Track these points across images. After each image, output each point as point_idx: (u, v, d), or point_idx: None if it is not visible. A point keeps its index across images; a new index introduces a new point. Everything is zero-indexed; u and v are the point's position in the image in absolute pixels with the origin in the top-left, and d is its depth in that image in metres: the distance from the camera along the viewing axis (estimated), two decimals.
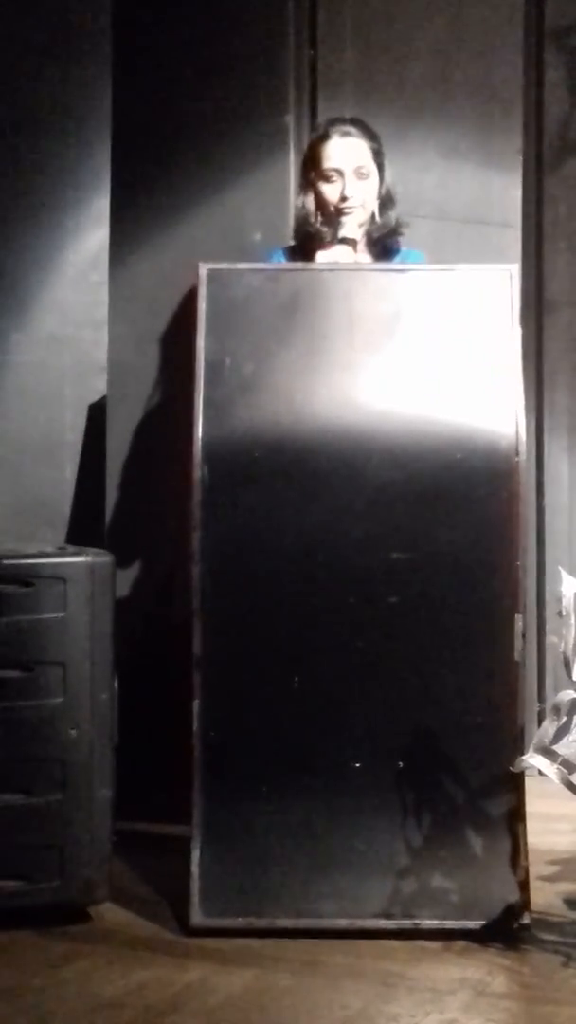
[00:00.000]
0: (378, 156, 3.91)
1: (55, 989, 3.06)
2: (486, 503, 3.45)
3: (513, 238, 4.77)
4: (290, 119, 4.49)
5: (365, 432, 3.48)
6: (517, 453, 3.46)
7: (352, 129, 3.90)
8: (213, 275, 3.58)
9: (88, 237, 4.69)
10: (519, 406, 3.49)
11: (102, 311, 4.63)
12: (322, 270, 3.70)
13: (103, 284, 4.63)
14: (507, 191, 4.77)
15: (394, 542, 3.44)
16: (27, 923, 3.39)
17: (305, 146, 4.37)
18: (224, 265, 3.64)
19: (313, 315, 3.57)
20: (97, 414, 4.62)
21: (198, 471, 3.45)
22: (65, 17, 4.69)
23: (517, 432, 3.47)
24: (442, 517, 3.45)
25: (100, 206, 4.65)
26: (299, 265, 3.86)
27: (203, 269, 3.59)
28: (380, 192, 3.91)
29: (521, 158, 4.81)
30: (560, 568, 3.43)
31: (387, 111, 4.43)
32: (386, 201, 3.93)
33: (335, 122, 3.94)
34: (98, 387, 4.64)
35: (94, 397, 4.66)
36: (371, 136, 3.92)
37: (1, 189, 4.57)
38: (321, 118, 4.05)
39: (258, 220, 4.41)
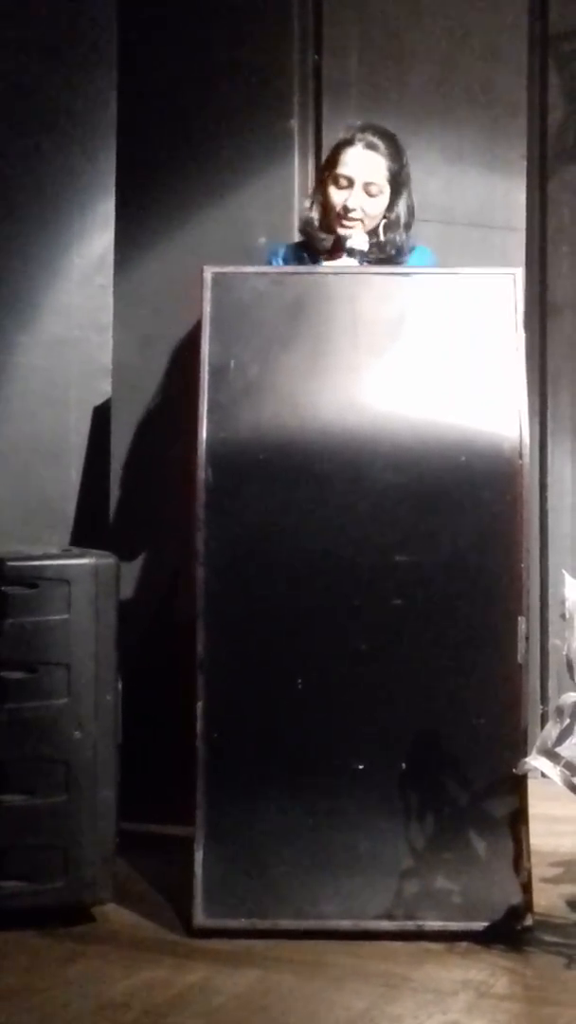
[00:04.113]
0: (396, 178, 3.85)
1: (59, 989, 3.07)
2: (490, 506, 3.46)
3: (517, 242, 4.77)
4: (294, 124, 4.50)
5: (369, 435, 3.49)
6: (520, 456, 3.47)
7: (379, 143, 3.83)
8: (218, 278, 3.59)
9: (93, 240, 4.70)
10: (523, 409, 3.50)
11: (107, 314, 4.64)
12: (326, 273, 3.71)
13: (108, 287, 4.65)
14: (511, 195, 4.78)
15: (398, 544, 3.44)
16: (31, 923, 3.40)
17: (310, 150, 4.40)
18: (229, 268, 3.65)
19: (317, 318, 3.58)
20: (101, 416, 4.63)
21: (202, 473, 3.46)
22: (70, 20, 4.70)
23: (521, 435, 3.48)
24: (446, 520, 3.46)
25: (105, 209, 4.66)
26: (303, 268, 3.87)
27: (207, 272, 3.60)
28: (389, 213, 3.86)
29: (525, 162, 4.82)
30: (563, 571, 3.44)
31: (391, 116, 4.43)
32: (393, 223, 3.88)
33: (367, 129, 3.86)
34: (103, 389, 4.65)
35: (99, 399, 4.67)
36: (395, 156, 3.85)
37: (6, 193, 4.58)
38: (359, 120, 3.97)
39: (262, 224, 4.42)
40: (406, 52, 4.68)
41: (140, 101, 4.58)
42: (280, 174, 4.46)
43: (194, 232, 4.50)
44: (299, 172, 4.44)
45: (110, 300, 4.63)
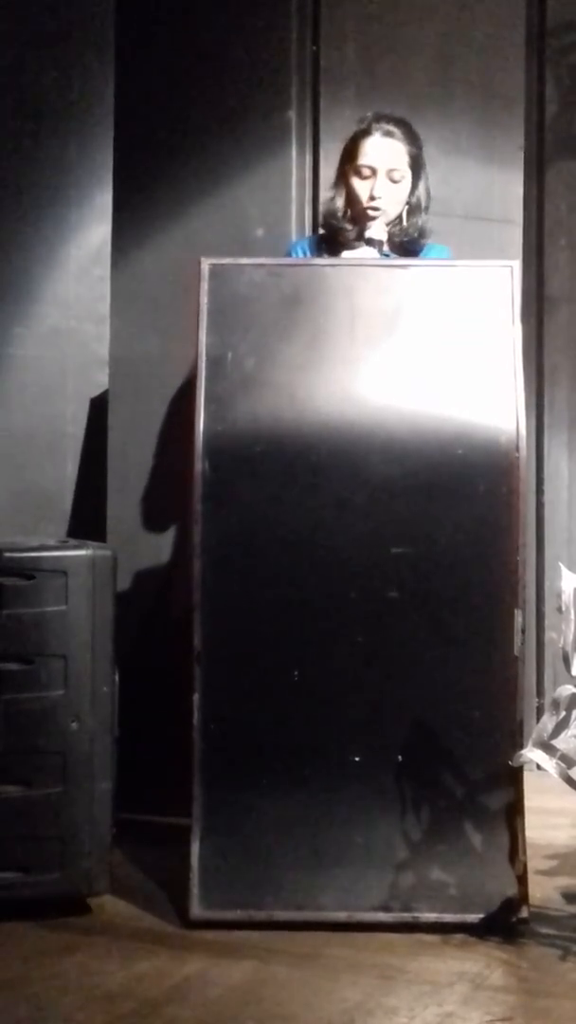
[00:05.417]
0: (415, 161, 3.89)
1: (55, 980, 3.07)
2: (486, 498, 3.46)
3: (514, 234, 4.77)
4: (292, 115, 4.49)
5: (366, 427, 3.49)
6: (517, 449, 3.47)
7: (395, 130, 3.87)
8: (215, 270, 3.59)
9: (90, 232, 4.69)
10: (519, 402, 3.50)
11: (104, 305, 4.64)
12: (323, 265, 3.71)
13: (105, 279, 4.64)
14: (508, 188, 4.78)
15: (394, 537, 3.45)
16: (28, 914, 3.40)
17: (307, 142, 4.39)
18: (226, 260, 3.65)
19: (315, 310, 3.58)
20: (99, 408, 4.62)
21: (199, 465, 3.46)
22: (67, 12, 4.69)
23: (517, 428, 3.48)
24: (442, 512, 3.46)
25: (102, 201, 4.66)
26: (301, 260, 3.87)
27: (205, 264, 3.60)
28: (411, 198, 3.89)
29: (522, 155, 4.82)
30: (559, 564, 3.44)
31: (389, 107, 4.43)
32: (415, 207, 3.90)
33: (381, 119, 3.89)
34: (100, 381, 4.65)
35: (96, 391, 4.67)
36: (412, 140, 3.89)
37: (3, 184, 4.57)
38: (370, 111, 3.99)
39: (260, 216, 4.41)
40: (404, 43, 4.67)
41: (137, 93, 4.57)
42: (278, 166, 4.45)
43: (191, 224, 4.50)
44: (296, 164, 4.44)
45: (107, 291, 4.63)
